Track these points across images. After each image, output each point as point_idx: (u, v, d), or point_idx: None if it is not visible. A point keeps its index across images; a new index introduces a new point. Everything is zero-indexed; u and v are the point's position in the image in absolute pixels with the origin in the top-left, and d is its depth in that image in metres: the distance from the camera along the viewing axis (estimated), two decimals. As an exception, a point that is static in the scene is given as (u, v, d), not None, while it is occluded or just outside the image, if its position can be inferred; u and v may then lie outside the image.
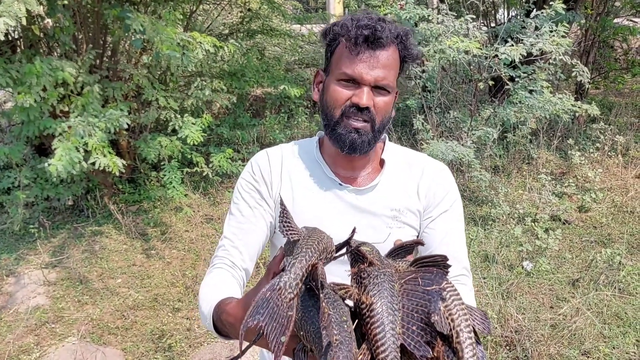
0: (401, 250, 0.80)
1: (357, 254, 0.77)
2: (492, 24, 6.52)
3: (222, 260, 1.20)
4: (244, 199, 1.25)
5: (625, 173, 5.24)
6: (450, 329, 0.67)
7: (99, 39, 4.39)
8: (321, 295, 0.67)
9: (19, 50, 4.02)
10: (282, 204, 0.81)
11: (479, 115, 4.89)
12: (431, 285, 0.68)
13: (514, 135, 5.28)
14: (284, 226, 0.78)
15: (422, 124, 4.77)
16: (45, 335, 3.14)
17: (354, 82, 1.11)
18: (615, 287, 3.48)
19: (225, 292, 1.04)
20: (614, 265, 3.66)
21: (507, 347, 2.94)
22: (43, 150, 4.56)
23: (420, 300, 0.68)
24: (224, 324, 0.91)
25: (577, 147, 5.38)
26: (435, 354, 0.66)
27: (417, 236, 1.24)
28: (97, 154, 3.57)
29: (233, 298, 0.96)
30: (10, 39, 3.90)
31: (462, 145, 4.28)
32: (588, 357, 2.88)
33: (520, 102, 4.44)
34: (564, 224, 4.44)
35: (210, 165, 4.65)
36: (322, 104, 1.20)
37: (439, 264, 0.72)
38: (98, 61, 4.33)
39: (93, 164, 3.58)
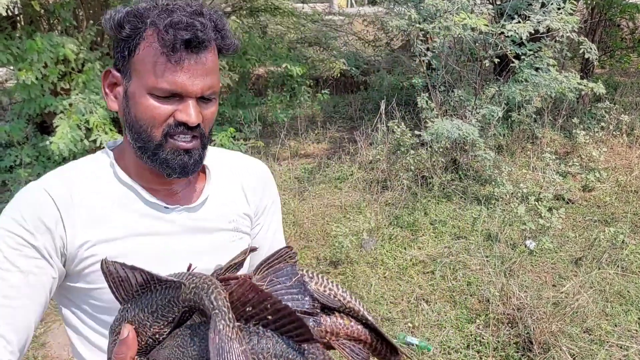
0: (232, 270, 0.74)
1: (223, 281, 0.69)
2: (498, 1, 6.43)
3: None
4: (9, 260, 0.86)
5: (630, 152, 5.21)
6: (335, 298, 0.67)
7: (100, 15, 4.34)
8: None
9: (19, 26, 3.97)
10: (106, 264, 0.66)
11: (484, 93, 4.85)
12: (291, 280, 0.66)
13: (519, 115, 5.24)
14: (152, 276, 0.64)
15: (427, 102, 4.73)
16: (48, 311, 3.16)
17: (175, 94, 0.88)
18: (618, 266, 3.48)
19: None
20: (617, 244, 3.65)
21: (509, 325, 2.95)
22: (45, 128, 4.54)
23: (290, 296, 0.65)
24: None
25: (582, 126, 5.34)
26: (328, 329, 0.67)
27: (249, 243, 1.14)
28: (98, 131, 3.56)
29: None
30: (10, 14, 3.85)
31: (468, 123, 4.25)
32: (590, 334, 2.89)
33: (526, 80, 4.39)
34: (567, 203, 4.42)
35: (212, 144, 4.63)
36: (128, 119, 0.92)
37: (285, 257, 0.69)
38: (99, 38, 4.28)
39: (94, 141, 3.56)
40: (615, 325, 2.96)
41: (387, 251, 3.77)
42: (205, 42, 0.87)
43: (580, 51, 4.72)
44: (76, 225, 0.91)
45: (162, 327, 0.65)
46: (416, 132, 4.57)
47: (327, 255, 3.73)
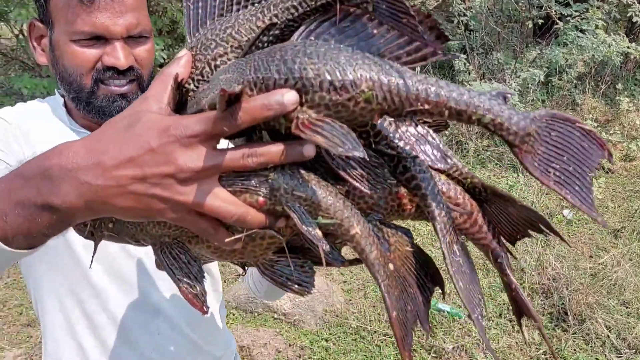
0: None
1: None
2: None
3: None
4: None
5: (676, 122, 5.00)
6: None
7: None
8: None
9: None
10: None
11: (524, 56, 4.67)
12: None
13: (560, 80, 5.06)
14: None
15: (464, 64, 4.59)
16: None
17: (99, 37, 0.83)
18: (659, 239, 3.39)
19: None
20: (659, 217, 3.55)
21: (544, 295, 2.91)
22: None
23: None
24: None
25: (626, 93, 5.13)
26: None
27: None
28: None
29: None
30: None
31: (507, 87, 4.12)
32: (627, 307, 2.83)
33: (570, 42, 4.20)
34: (607, 172, 4.30)
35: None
36: (58, 70, 0.87)
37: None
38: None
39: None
40: (654, 299, 2.90)
41: (419, 216, 3.74)
42: None
43: (628, 14, 4.49)
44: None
45: (227, 50, 0.51)
46: (452, 96, 4.45)
47: (359, 218, 3.72)
